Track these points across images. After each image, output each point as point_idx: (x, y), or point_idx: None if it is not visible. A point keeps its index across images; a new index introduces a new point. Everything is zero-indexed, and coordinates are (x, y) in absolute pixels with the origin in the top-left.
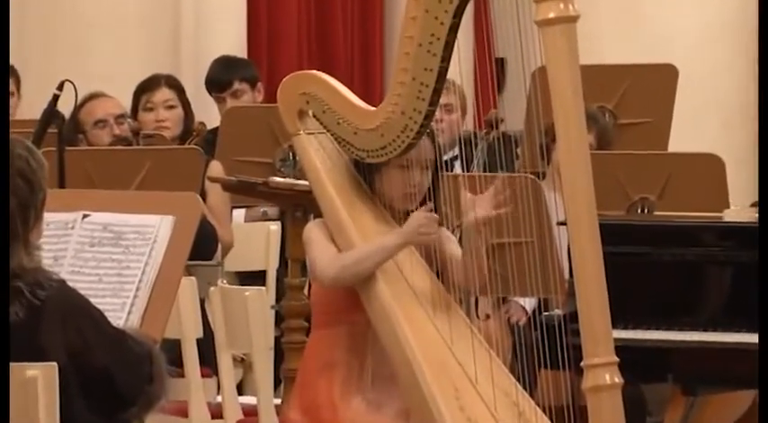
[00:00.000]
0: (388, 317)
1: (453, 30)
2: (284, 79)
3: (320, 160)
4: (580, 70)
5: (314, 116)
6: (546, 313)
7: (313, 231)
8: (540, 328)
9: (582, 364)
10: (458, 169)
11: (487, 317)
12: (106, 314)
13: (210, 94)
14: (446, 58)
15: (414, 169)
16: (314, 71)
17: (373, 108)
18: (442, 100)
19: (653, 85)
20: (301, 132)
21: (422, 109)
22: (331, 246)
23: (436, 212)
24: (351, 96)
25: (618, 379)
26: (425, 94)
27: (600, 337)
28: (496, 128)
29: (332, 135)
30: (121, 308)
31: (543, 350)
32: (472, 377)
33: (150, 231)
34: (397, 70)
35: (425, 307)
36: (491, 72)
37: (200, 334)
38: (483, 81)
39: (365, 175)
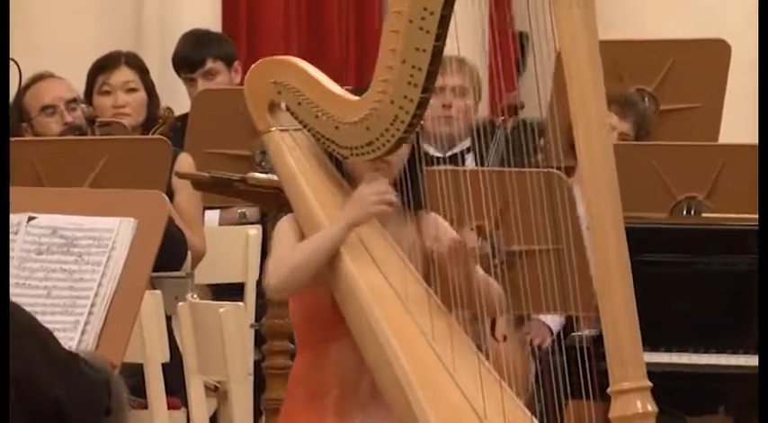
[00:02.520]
0: (375, 337)
1: (449, 2)
2: (252, 67)
3: (295, 161)
4: (616, 47)
5: (287, 109)
6: (574, 334)
7: (283, 229)
8: (567, 352)
9: (608, 390)
10: (470, 163)
11: (505, 338)
12: (56, 334)
13: (179, 74)
14: (441, 36)
15: None
16: (286, 57)
17: (357, 97)
18: (453, 82)
19: (701, 65)
20: (273, 129)
21: (414, 96)
22: (294, 245)
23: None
24: (330, 85)
25: (651, 407)
26: (418, 79)
27: (628, 357)
28: (516, 114)
29: (309, 131)
30: (74, 327)
31: (571, 377)
32: (480, 412)
33: (108, 237)
34: (384, 52)
35: (421, 325)
36: (512, 49)
37: (167, 358)
38: (500, 60)
39: (342, 167)
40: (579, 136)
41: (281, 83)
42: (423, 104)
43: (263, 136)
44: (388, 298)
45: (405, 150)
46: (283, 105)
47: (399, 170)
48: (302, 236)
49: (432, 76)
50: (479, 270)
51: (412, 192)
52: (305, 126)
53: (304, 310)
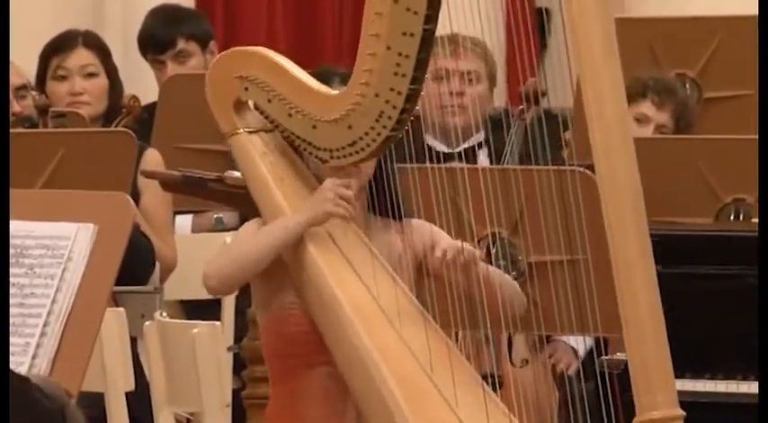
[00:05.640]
0: (363, 365)
1: None
2: (214, 60)
3: (267, 167)
4: (652, 25)
5: (256, 108)
6: (604, 357)
7: (247, 231)
8: (596, 378)
9: (634, 421)
10: (483, 160)
11: (525, 363)
12: None
13: (145, 56)
14: (432, 18)
15: None
16: (253, 47)
17: (335, 91)
18: (464, 66)
19: (751, 45)
20: (240, 131)
21: (401, 88)
22: None
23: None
24: (305, 77)
25: None
26: (405, 68)
27: (657, 382)
28: (536, 104)
29: (282, 132)
30: (24, 350)
31: (601, 407)
32: None
33: (63, 245)
34: (366, 38)
35: (416, 352)
36: (532, 28)
37: (131, 386)
38: (519, 40)
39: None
40: (593, 129)
41: (248, 77)
42: (412, 97)
43: (228, 139)
44: (379, 322)
45: None
46: (251, 103)
47: (371, 171)
48: None
49: (422, 64)
50: (487, 267)
51: (386, 195)
52: (277, 126)
53: (279, 336)
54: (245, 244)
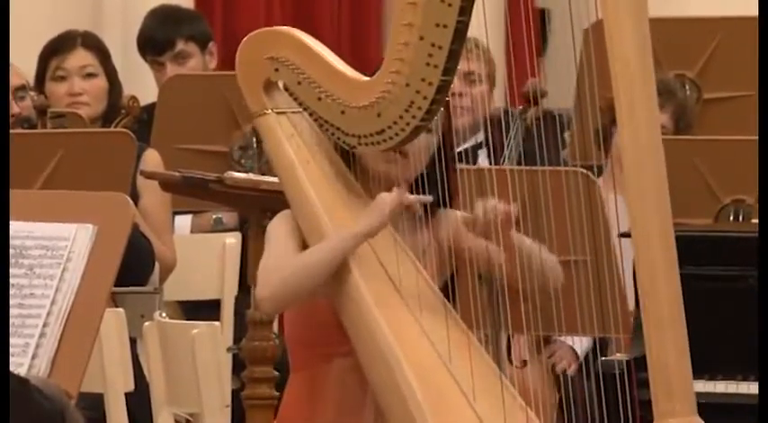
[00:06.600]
0: (383, 358)
1: None
2: (245, 39)
3: (294, 150)
4: (652, 26)
5: (285, 89)
6: (604, 358)
7: (278, 228)
8: (596, 379)
9: None
10: (483, 160)
11: (524, 363)
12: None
13: (145, 57)
14: (466, 10)
15: None
16: (285, 28)
17: (367, 78)
18: (464, 67)
19: (751, 46)
20: (269, 111)
21: (433, 79)
22: (292, 250)
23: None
24: (336, 62)
25: None
26: (438, 59)
27: (676, 387)
28: (536, 104)
29: (310, 115)
30: (23, 350)
31: (600, 408)
32: None
33: (62, 246)
34: (399, 27)
35: (436, 344)
36: (531, 29)
37: (131, 387)
38: (519, 41)
39: (350, 158)
40: (624, 132)
41: (279, 59)
42: (443, 88)
43: (255, 119)
44: (400, 311)
45: (430, 141)
46: (281, 84)
47: (422, 165)
48: (301, 236)
49: (454, 55)
50: (525, 239)
51: (437, 192)
52: (306, 109)
53: (303, 324)
54: (301, 262)
